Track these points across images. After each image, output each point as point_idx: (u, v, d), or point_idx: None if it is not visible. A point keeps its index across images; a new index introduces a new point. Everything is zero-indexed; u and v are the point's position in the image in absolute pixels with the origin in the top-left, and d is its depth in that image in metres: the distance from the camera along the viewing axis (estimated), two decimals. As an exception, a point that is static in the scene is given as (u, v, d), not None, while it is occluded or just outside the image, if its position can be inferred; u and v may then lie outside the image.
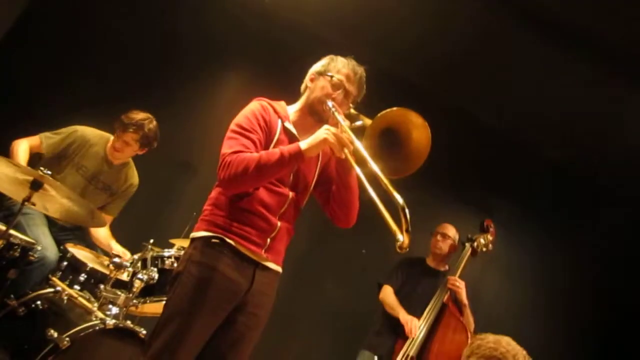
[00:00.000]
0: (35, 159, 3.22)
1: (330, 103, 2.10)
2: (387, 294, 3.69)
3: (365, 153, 1.87)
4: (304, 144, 1.97)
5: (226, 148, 1.99)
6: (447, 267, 3.86)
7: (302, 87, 2.26)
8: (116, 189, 3.43)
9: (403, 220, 1.67)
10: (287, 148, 1.98)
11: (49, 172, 2.50)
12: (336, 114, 2.06)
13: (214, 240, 1.99)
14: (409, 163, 1.94)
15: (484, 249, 3.81)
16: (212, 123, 4.49)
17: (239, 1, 4.48)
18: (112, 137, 3.37)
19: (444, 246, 3.84)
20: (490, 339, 1.98)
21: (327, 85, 2.15)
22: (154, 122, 3.34)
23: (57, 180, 2.67)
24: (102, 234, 3.31)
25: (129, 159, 3.45)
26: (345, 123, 2.03)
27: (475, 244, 3.78)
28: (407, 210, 1.67)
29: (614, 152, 4.74)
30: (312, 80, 2.21)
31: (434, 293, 3.60)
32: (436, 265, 3.87)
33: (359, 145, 1.90)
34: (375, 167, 1.82)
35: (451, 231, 3.88)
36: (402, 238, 1.67)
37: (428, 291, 3.64)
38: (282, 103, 2.22)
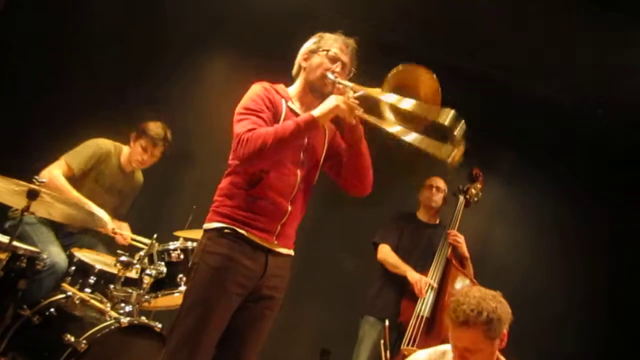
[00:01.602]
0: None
1: (331, 75, 2.14)
2: (387, 252, 3.61)
3: (385, 97, 1.97)
4: (316, 112, 2.02)
5: (239, 128, 2.02)
6: (438, 220, 3.82)
7: (295, 68, 2.28)
8: (126, 192, 3.54)
9: (457, 129, 1.67)
10: (300, 118, 2.03)
11: (43, 180, 2.50)
12: (342, 81, 2.12)
13: (226, 230, 2.03)
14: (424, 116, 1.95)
15: (476, 199, 3.77)
16: (205, 111, 4.51)
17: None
18: (123, 147, 3.45)
19: (439, 199, 3.77)
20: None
21: (323, 61, 2.18)
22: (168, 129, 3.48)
23: None
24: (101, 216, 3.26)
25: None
26: (351, 85, 2.09)
27: (468, 194, 3.74)
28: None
29: (615, 93, 4.68)
30: (305, 59, 2.24)
31: (431, 247, 3.58)
32: (428, 219, 3.80)
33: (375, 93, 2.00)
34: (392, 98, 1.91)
35: (442, 183, 3.81)
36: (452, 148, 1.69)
37: (425, 246, 3.62)
38: (282, 85, 2.25)
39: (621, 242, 4.89)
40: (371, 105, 2.08)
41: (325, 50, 2.19)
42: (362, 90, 2.06)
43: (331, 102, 2.03)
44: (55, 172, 3.15)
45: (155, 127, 3.40)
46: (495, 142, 4.86)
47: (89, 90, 4.15)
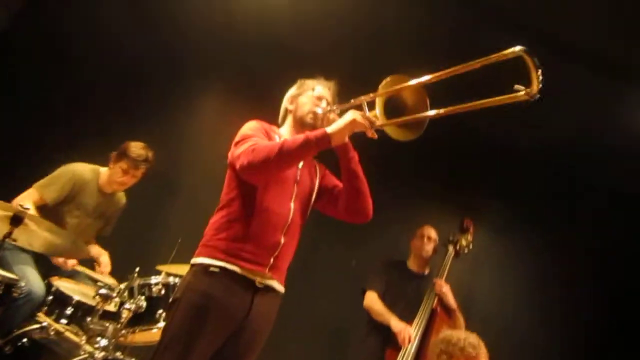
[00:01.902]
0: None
1: (320, 110, 2.22)
2: (373, 300, 3.58)
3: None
4: (330, 128, 1.99)
5: (243, 147, 2.01)
6: (428, 270, 3.81)
7: (282, 113, 2.36)
8: (110, 213, 3.50)
9: (530, 62, 1.60)
10: (311, 132, 1.99)
11: (28, 207, 2.47)
12: (341, 105, 2.17)
13: (212, 268, 1.99)
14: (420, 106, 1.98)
15: (466, 250, 3.79)
16: (192, 146, 4.53)
17: (207, 17, 4.48)
18: (101, 169, 3.39)
19: (430, 249, 3.77)
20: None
21: (310, 99, 2.27)
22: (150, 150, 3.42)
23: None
24: None
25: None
26: (352, 102, 2.12)
27: (458, 245, 3.76)
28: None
29: (596, 145, 4.79)
30: (291, 102, 2.33)
31: (418, 297, 3.55)
32: (418, 268, 3.79)
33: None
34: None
35: (434, 233, 3.82)
36: (531, 86, 1.61)
37: (413, 296, 3.59)
38: (275, 126, 2.30)
39: (604, 292, 4.93)
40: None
41: (310, 90, 2.29)
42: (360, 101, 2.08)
43: (348, 117, 1.99)
44: (26, 202, 3.00)
45: (136, 149, 3.33)
46: (481, 192, 4.94)
47: (74, 120, 4.16)
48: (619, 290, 4.91)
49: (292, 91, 2.37)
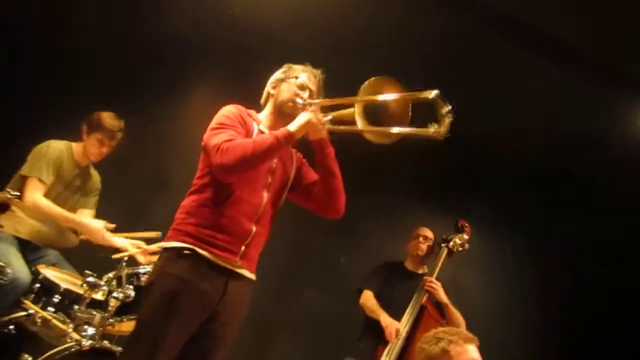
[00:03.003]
0: None
1: (299, 100, 2.21)
2: (367, 297, 3.67)
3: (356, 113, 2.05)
4: (291, 127, 2.05)
5: (216, 139, 2.01)
6: (425, 269, 3.88)
7: (264, 96, 2.35)
8: (88, 188, 3.47)
9: (442, 107, 1.81)
10: (278, 132, 2.04)
11: (17, 194, 2.45)
12: (312, 101, 2.18)
13: (185, 251, 1.98)
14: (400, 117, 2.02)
15: (460, 249, 3.86)
16: (180, 136, 4.51)
17: (202, 9, 4.46)
18: (71, 143, 3.37)
19: (424, 247, 3.88)
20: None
21: (292, 88, 2.25)
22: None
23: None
24: (94, 226, 3.21)
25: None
26: (319, 101, 2.18)
27: (451, 244, 3.82)
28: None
29: (586, 148, 4.86)
30: (274, 87, 2.32)
31: (413, 295, 3.60)
32: (415, 267, 3.90)
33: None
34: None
35: (430, 233, 3.94)
36: (439, 125, 1.82)
37: (408, 294, 3.64)
38: (253, 111, 2.29)
39: (588, 290, 5.00)
40: (343, 119, 2.16)
41: (293, 77, 2.27)
42: (332, 102, 2.15)
43: (303, 117, 2.08)
44: (36, 197, 3.09)
45: (110, 119, 3.33)
46: (467, 192, 4.99)
47: (62, 105, 4.11)
48: (601, 290, 4.98)
49: (277, 75, 2.35)
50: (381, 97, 2.00)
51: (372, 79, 2.03)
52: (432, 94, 1.80)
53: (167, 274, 1.97)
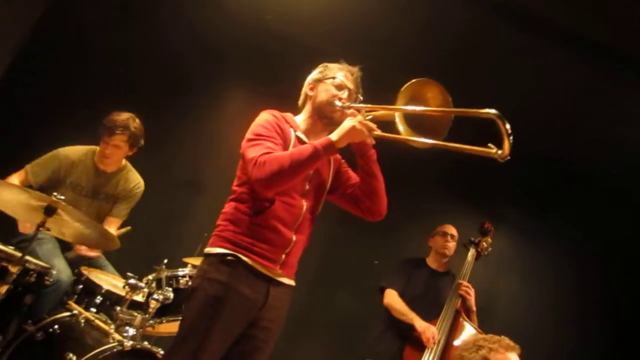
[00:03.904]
0: None
1: (339, 102, 2.17)
2: (394, 298, 3.55)
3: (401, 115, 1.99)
4: (333, 136, 2.01)
5: (254, 152, 2.00)
6: (448, 269, 3.79)
7: (301, 98, 2.31)
8: (118, 195, 3.41)
9: (502, 127, 1.73)
10: (318, 142, 2.01)
11: (62, 197, 2.52)
12: (352, 104, 2.14)
13: (228, 257, 2.00)
14: (441, 125, 1.98)
15: (486, 252, 3.77)
16: (216, 140, 4.58)
17: (236, 17, 4.53)
18: (97, 148, 3.34)
19: (452, 247, 3.77)
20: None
21: (330, 88, 2.21)
22: (137, 120, 3.32)
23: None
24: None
25: (123, 163, 3.43)
26: (362, 106, 2.11)
27: (480, 247, 3.74)
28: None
29: (620, 150, 4.74)
30: (311, 88, 2.27)
31: (438, 296, 3.54)
32: (438, 266, 3.78)
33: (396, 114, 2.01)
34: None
35: (455, 231, 3.82)
36: (502, 148, 1.74)
37: (432, 294, 3.58)
38: (290, 114, 2.26)
39: (634, 301, 4.86)
40: (385, 125, 2.10)
41: (330, 77, 2.22)
42: (373, 108, 2.08)
43: (347, 124, 2.02)
44: (13, 180, 3.14)
45: (115, 116, 3.24)
46: (504, 196, 4.91)
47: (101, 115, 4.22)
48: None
49: (313, 75, 2.29)
50: (434, 109, 1.95)
51: (414, 81, 1.98)
52: (492, 112, 1.74)
53: (211, 279, 1.98)
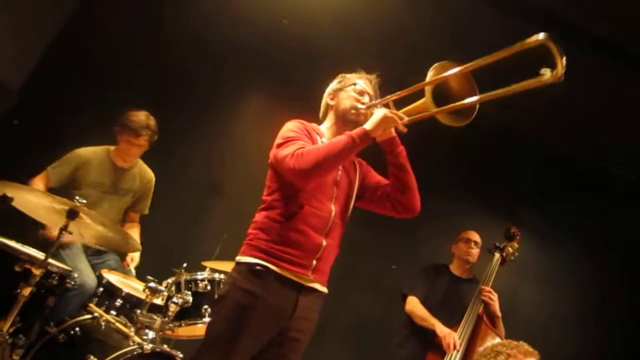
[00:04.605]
0: None
1: (362, 106, 2.21)
2: (415, 305, 3.50)
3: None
4: (367, 125, 2.04)
5: (287, 150, 2.02)
6: (472, 275, 3.75)
7: (322, 109, 2.36)
8: (137, 189, 3.55)
9: (554, 48, 1.60)
10: (354, 132, 2.02)
11: (84, 201, 2.56)
12: (375, 102, 2.17)
13: (257, 267, 2.00)
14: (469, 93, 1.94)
15: (512, 257, 3.71)
16: (236, 144, 4.61)
17: (253, 20, 4.57)
18: (111, 147, 3.46)
19: (476, 253, 3.72)
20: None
21: (352, 95, 2.26)
22: (152, 116, 3.44)
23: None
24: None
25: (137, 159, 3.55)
26: (386, 101, 2.14)
27: (505, 252, 3.68)
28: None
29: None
30: (332, 98, 2.32)
31: (461, 302, 3.49)
32: (461, 273, 3.73)
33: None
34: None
35: (479, 237, 3.77)
36: (556, 69, 1.62)
37: (455, 301, 3.53)
38: (314, 124, 2.30)
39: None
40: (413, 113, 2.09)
41: (351, 84, 2.27)
42: (400, 94, 2.09)
43: (379, 113, 2.05)
44: (39, 184, 3.23)
45: (136, 117, 3.36)
46: (526, 200, 4.86)
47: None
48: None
49: (333, 85, 2.35)
50: (459, 69, 1.87)
51: (437, 64, 1.96)
52: (540, 37, 1.60)
53: (239, 288, 1.99)
